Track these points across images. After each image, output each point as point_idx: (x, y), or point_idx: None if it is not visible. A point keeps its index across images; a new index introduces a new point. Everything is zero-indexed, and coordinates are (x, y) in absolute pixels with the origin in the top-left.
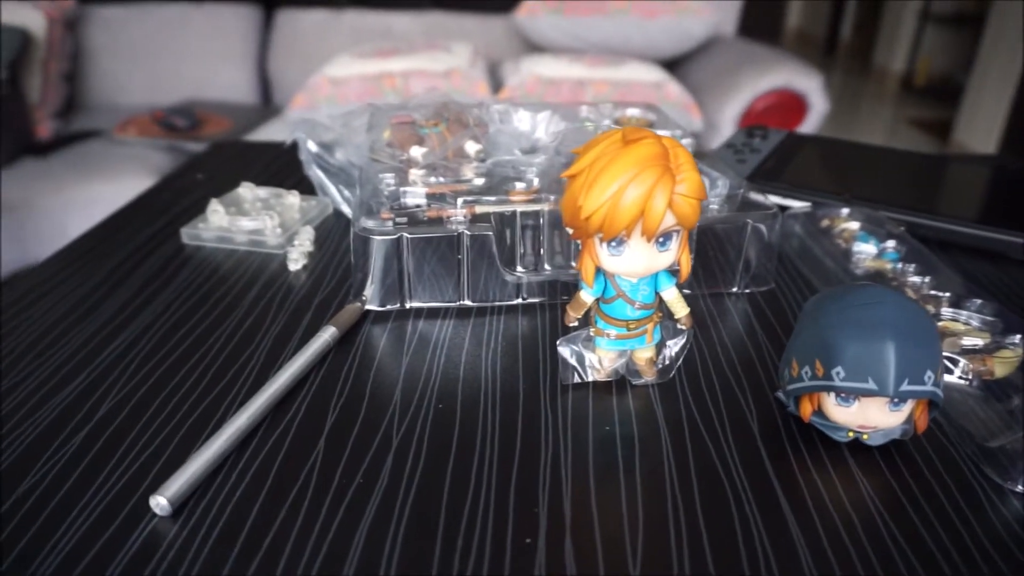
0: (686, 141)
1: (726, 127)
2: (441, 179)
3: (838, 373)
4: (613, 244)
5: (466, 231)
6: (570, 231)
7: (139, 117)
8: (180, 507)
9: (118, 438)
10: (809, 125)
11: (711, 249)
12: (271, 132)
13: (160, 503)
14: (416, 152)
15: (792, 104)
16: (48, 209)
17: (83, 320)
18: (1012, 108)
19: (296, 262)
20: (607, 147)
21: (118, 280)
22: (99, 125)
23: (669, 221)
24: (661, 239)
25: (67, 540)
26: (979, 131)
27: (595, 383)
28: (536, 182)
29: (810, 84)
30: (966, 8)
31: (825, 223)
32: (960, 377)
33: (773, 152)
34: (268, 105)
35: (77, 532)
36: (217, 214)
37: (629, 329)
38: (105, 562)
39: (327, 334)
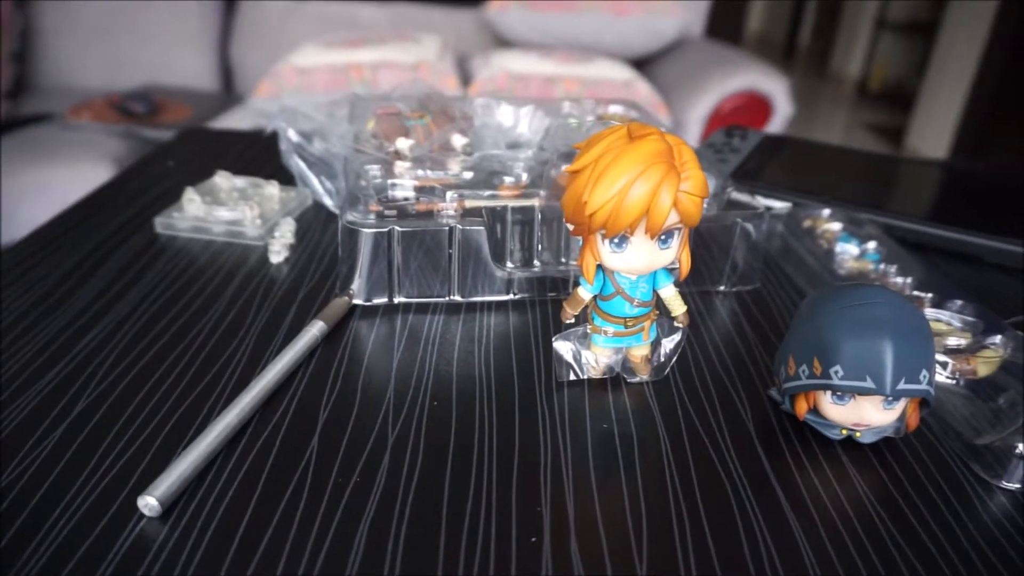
0: None
1: (693, 127)
2: (428, 172)
3: (836, 371)
4: (615, 241)
5: (458, 225)
6: (570, 227)
7: (94, 101)
8: (170, 508)
9: (98, 436)
10: (773, 127)
11: (698, 247)
12: (234, 120)
13: (149, 503)
14: (403, 144)
15: (758, 106)
16: None
17: (54, 311)
18: (963, 114)
19: (278, 254)
20: (612, 143)
21: (89, 270)
22: (51, 108)
23: (673, 219)
24: (663, 237)
25: (49, 544)
26: (931, 136)
27: (590, 380)
28: (524, 177)
29: (776, 87)
30: (920, 16)
31: (807, 223)
32: (947, 377)
33: (753, 152)
34: (230, 93)
35: (59, 536)
36: (193, 203)
37: (626, 326)
38: (91, 567)
39: (315, 328)
